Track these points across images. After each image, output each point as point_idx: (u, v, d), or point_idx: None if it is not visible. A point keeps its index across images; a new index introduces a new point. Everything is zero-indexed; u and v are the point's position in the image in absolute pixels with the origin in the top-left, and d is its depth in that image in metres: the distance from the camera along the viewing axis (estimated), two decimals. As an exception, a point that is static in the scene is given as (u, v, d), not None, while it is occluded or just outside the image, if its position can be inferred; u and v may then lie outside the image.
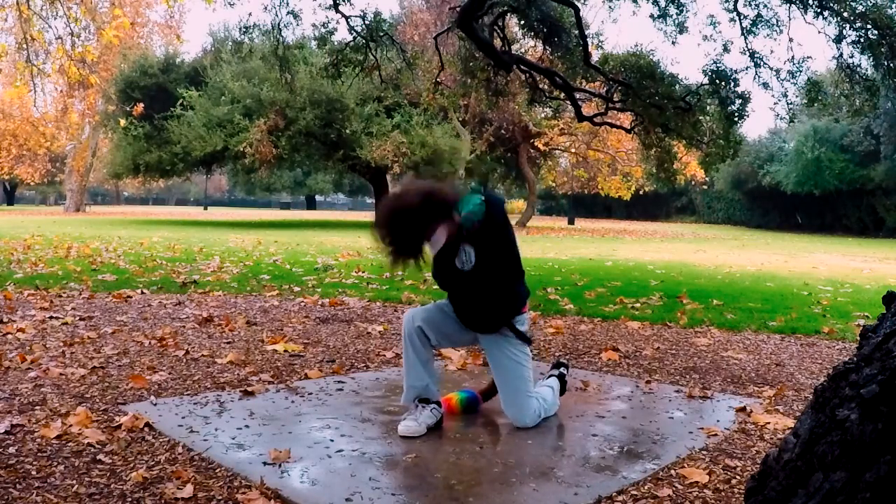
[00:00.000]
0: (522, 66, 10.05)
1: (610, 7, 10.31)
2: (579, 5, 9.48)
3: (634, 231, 27.93)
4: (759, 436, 2.75)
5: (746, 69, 9.34)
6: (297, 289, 6.80)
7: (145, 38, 33.12)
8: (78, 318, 4.89)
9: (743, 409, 3.09)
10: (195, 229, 19.41)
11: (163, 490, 2.06)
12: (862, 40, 8.12)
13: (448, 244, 2.72)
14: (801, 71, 9.01)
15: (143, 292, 6.28)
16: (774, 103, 11.77)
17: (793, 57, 9.00)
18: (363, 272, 8.40)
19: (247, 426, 2.70)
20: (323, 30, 9.63)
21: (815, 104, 9.95)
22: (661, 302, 6.55)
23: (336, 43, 10.33)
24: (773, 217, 34.71)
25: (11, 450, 2.34)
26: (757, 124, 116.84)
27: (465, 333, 2.91)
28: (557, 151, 32.58)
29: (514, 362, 2.82)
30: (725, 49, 9.42)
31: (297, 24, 23.11)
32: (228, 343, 4.26)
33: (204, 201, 59.97)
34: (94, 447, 2.40)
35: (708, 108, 10.06)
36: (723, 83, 9.45)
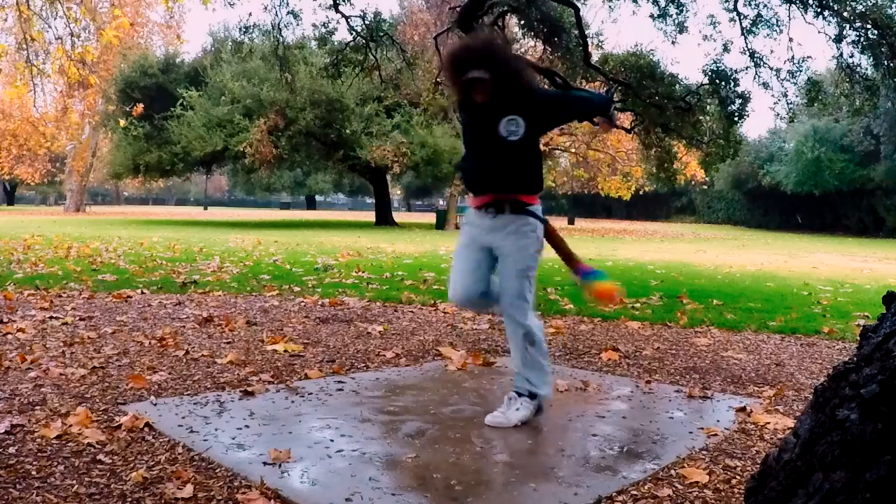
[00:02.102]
0: (522, 66, 10.03)
1: (610, 7, 10.33)
2: (579, 5, 9.48)
3: (634, 231, 27.94)
4: (759, 436, 2.75)
5: (746, 69, 9.36)
6: (297, 289, 6.80)
7: (145, 38, 33.13)
8: (78, 318, 4.89)
9: (743, 409, 3.09)
10: (195, 229, 19.41)
11: (163, 490, 2.06)
12: (862, 40, 8.13)
13: (495, 107, 2.77)
14: (801, 71, 9.03)
15: (143, 292, 6.28)
16: (774, 103, 11.77)
17: (793, 57, 9.02)
18: (363, 272, 8.40)
19: (247, 426, 2.70)
20: (323, 30, 9.65)
21: (815, 104, 9.97)
22: (661, 302, 6.55)
23: (336, 43, 10.35)
24: (773, 217, 34.71)
25: (11, 450, 2.34)
26: (757, 124, 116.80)
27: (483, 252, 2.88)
28: (557, 151, 32.58)
29: (527, 253, 2.79)
30: (725, 49, 9.43)
31: (297, 24, 23.15)
32: (228, 343, 4.26)
33: (204, 201, 59.98)
34: (94, 447, 2.40)
35: (708, 108, 10.07)
36: (723, 83, 9.46)
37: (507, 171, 2.81)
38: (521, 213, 2.82)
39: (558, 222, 35.91)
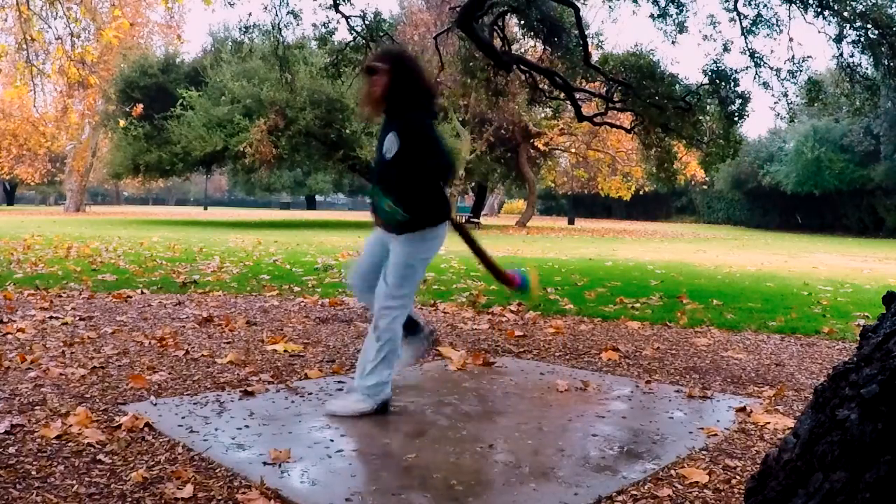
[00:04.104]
0: (522, 66, 10.05)
1: (610, 7, 10.30)
2: (579, 5, 9.48)
3: (634, 231, 27.95)
4: (759, 436, 2.75)
5: (746, 69, 9.35)
6: (297, 289, 6.80)
7: (145, 39, 33.12)
8: (78, 318, 4.89)
9: (743, 409, 3.09)
10: (195, 229, 19.40)
11: (163, 490, 2.06)
12: (862, 40, 8.12)
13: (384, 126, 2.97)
14: (801, 70, 9.02)
15: (143, 292, 6.28)
16: (774, 103, 11.77)
17: (793, 56, 9.01)
18: (363, 272, 8.39)
19: (247, 426, 2.70)
20: (323, 30, 9.64)
21: (816, 104, 9.96)
22: (661, 302, 6.55)
23: (336, 43, 10.33)
24: (773, 217, 34.71)
25: (11, 450, 2.34)
26: (757, 124, 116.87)
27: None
28: (557, 151, 32.60)
29: (406, 264, 2.94)
30: (725, 49, 9.43)
31: (297, 24, 23.10)
32: (228, 343, 4.26)
33: (204, 201, 59.96)
34: (94, 447, 2.40)
35: (708, 108, 10.06)
36: (723, 83, 9.46)
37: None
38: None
39: (558, 222, 35.92)
